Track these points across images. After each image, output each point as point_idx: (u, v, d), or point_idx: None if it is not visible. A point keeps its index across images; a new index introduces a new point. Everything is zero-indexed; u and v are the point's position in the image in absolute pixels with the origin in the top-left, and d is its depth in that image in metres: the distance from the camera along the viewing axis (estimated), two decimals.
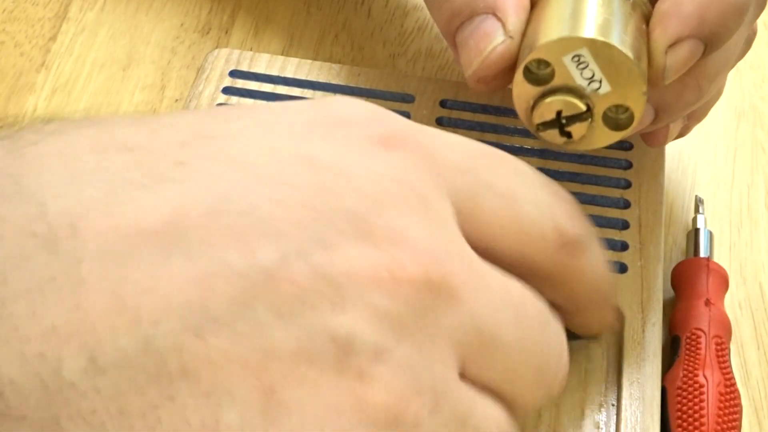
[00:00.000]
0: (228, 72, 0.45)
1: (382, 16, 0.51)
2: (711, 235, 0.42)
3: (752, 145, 0.47)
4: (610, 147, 0.43)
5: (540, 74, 0.32)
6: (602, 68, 0.31)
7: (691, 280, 0.40)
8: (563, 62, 0.31)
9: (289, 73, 0.46)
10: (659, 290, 0.39)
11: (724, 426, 0.36)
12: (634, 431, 0.36)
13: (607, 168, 0.43)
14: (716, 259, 0.42)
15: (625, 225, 0.41)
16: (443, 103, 0.44)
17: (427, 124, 0.43)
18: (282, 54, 0.49)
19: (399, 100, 0.44)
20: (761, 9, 0.37)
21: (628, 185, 0.42)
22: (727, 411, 0.36)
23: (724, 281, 0.40)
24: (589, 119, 0.33)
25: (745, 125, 0.47)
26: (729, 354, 0.39)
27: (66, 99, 0.47)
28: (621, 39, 0.32)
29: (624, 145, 0.43)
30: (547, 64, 0.32)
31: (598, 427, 0.36)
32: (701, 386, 0.37)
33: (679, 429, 0.36)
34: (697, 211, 0.43)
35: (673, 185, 0.45)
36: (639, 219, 0.41)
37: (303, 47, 0.49)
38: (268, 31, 0.50)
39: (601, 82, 0.31)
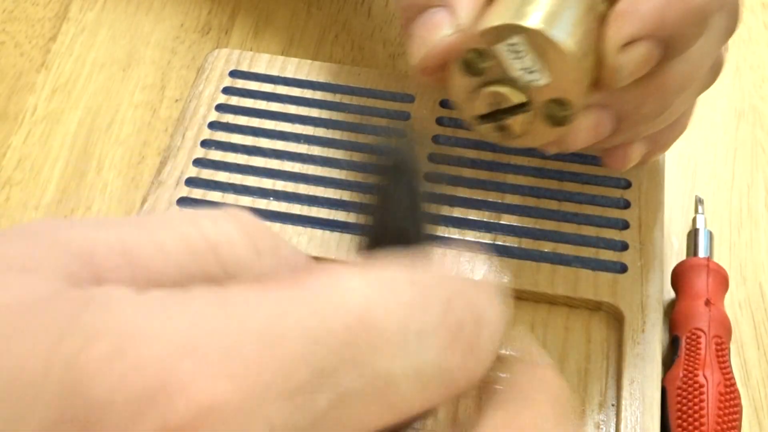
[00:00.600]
0: (228, 72, 0.46)
1: (382, 16, 0.51)
2: (711, 235, 0.42)
3: (752, 145, 0.47)
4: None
5: (476, 64, 0.31)
6: (539, 58, 0.30)
7: (691, 280, 0.40)
8: (498, 51, 0.30)
9: (289, 73, 0.46)
10: (659, 290, 0.39)
11: (724, 426, 0.36)
12: (634, 431, 0.36)
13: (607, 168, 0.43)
14: (716, 259, 0.42)
15: (625, 225, 0.41)
16: (443, 103, 0.44)
17: (427, 124, 0.43)
18: (282, 54, 0.49)
19: (399, 100, 0.44)
20: (729, 32, 0.36)
21: (628, 185, 0.42)
22: (727, 411, 0.36)
23: (724, 281, 0.40)
24: (528, 112, 0.31)
25: (745, 125, 0.47)
26: (729, 354, 0.39)
27: (66, 99, 0.47)
28: (561, 29, 0.30)
29: None
30: (482, 53, 0.30)
31: (598, 427, 0.36)
32: (701, 386, 0.37)
33: (679, 429, 0.36)
34: (697, 211, 0.43)
35: (673, 185, 0.45)
36: (639, 219, 0.41)
37: (303, 47, 0.49)
38: (268, 31, 0.50)
39: (538, 73, 0.30)
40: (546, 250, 0.40)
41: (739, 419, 0.37)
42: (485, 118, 0.32)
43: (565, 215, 0.41)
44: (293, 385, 0.15)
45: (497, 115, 0.31)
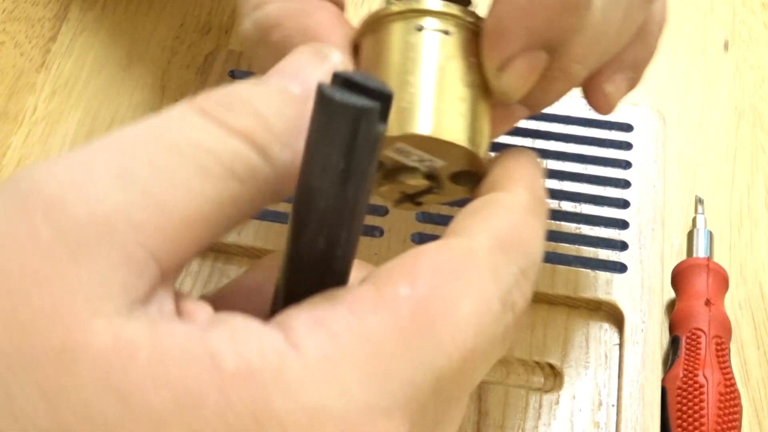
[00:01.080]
0: (228, 72, 0.46)
1: None
2: (711, 235, 0.42)
3: (752, 145, 0.47)
4: (610, 147, 0.43)
5: None
6: (427, 152, 0.28)
7: (691, 280, 0.40)
8: (387, 156, 0.28)
9: None
10: (659, 290, 0.39)
11: (724, 426, 0.36)
12: (634, 431, 0.36)
13: (607, 168, 0.43)
14: (716, 259, 0.42)
15: (624, 225, 0.41)
16: None
17: None
18: None
19: None
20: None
21: (628, 185, 0.42)
22: (727, 411, 0.36)
23: (724, 281, 0.40)
24: (436, 189, 0.30)
25: (745, 125, 0.47)
26: (729, 354, 0.39)
27: (66, 99, 0.47)
28: (443, 122, 0.27)
29: (624, 145, 0.43)
30: None
31: (598, 427, 0.36)
32: (701, 386, 0.37)
33: (679, 429, 0.36)
34: (696, 211, 0.43)
35: (673, 185, 0.45)
36: (639, 219, 0.41)
37: None
38: None
39: (432, 160, 0.28)
40: (546, 250, 0.40)
41: (739, 419, 0.37)
42: (400, 200, 0.31)
43: (565, 215, 0.41)
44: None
45: (411, 197, 0.31)
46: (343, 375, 0.19)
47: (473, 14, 0.29)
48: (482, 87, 0.29)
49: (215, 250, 0.40)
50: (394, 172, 0.29)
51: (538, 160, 0.29)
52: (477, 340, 0.22)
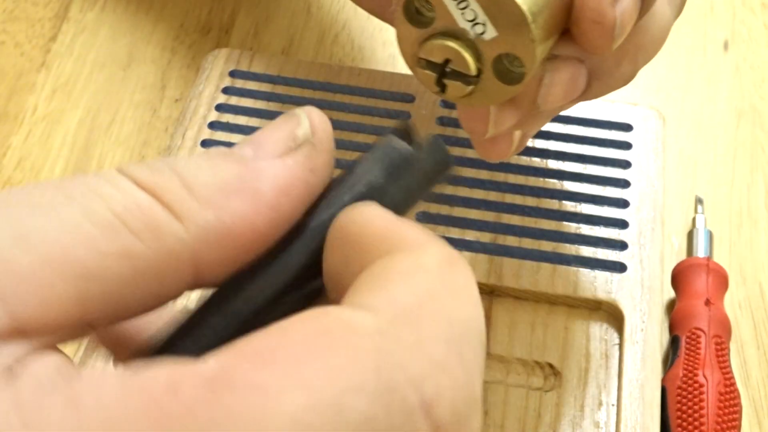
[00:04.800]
0: (228, 72, 0.46)
1: None
2: (711, 235, 0.42)
3: (752, 145, 0.47)
4: (609, 146, 0.43)
5: (422, 14, 0.28)
6: (485, 9, 0.27)
7: (691, 279, 0.40)
8: (443, 1, 0.27)
9: (289, 73, 0.46)
10: (659, 290, 0.39)
11: (724, 426, 0.36)
12: (634, 431, 0.36)
13: (607, 168, 0.43)
14: (716, 259, 0.42)
15: (624, 225, 0.41)
16: (443, 103, 0.44)
17: (427, 123, 0.43)
18: (282, 54, 0.49)
19: (399, 100, 0.44)
20: (682, 5, 0.34)
21: (627, 185, 0.42)
22: (726, 411, 0.36)
23: (724, 281, 0.40)
24: (472, 86, 0.29)
25: (745, 125, 0.47)
26: (729, 354, 0.39)
27: (66, 99, 0.47)
28: None
29: (624, 145, 0.43)
30: (427, 2, 0.28)
31: (598, 427, 0.36)
32: (701, 386, 0.37)
33: (679, 429, 0.36)
34: (696, 211, 0.43)
35: (673, 185, 0.45)
36: (639, 219, 0.41)
37: (303, 47, 0.49)
38: (268, 31, 0.50)
39: (485, 25, 0.27)
40: (546, 250, 0.40)
41: (739, 419, 0.37)
42: (429, 64, 0.29)
43: (565, 215, 0.41)
44: None
45: (442, 69, 0.29)
46: None
47: None
48: (561, 7, 0.28)
49: None
50: (442, 32, 0.28)
51: None
52: None
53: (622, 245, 0.40)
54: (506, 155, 0.34)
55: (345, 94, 0.45)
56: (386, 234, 0.19)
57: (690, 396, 0.37)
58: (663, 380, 0.38)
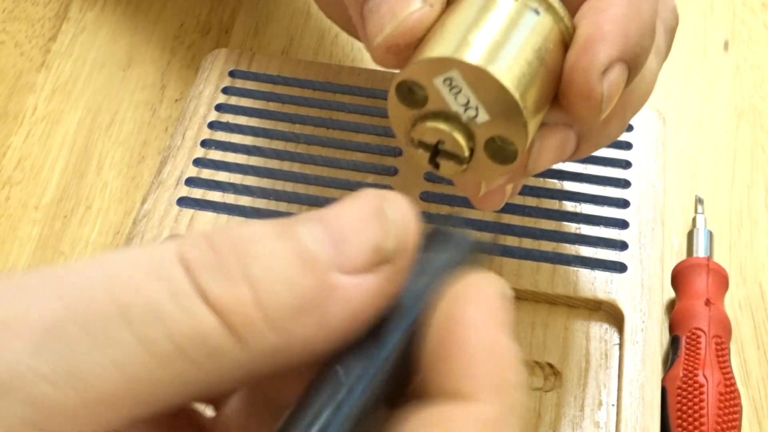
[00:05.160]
0: (228, 72, 0.46)
1: None
2: (711, 235, 0.42)
3: (752, 145, 0.47)
4: (609, 146, 0.43)
5: (415, 94, 0.28)
6: (477, 95, 0.27)
7: (691, 280, 0.40)
8: (435, 85, 0.27)
9: (289, 73, 0.46)
10: (659, 290, 0.39)
11: (724, 426, 0.36)
12: (634, 431, 0.36)
13: (607, 168, 0.43)
14: (716, 259, 0.42)
15: (624, 225, 0.41)
16: None
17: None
18: (282, 54, 0.49)
19: None
20: (672, 34, 0.35)
21: (628, 185, 0.42)
22: (726, 411, 0.36)
23: (724, 281, 0.40)
24: (465, 165, 0.29)
25: (745, 125, 0.47)
26: (729, 354, 0.39)
27: (66, 99, 0.47)
28: (502, 65, 0.27)
29: (624, 145, 0.43)
30: (420, 85, 0.28)
31: (598, 427, 0.36)
32: (701, 386, 0.37)
33: (679, 429, 0.36)
34: (696, 211, 0.43)
35: (673, 185, 0.45)
36: (639, 219, 0.41)
37: (303, 47, 0.49)
38: (268, 31, 0.50)
39: (477, 109, 0.28)
40: (546, 250, 0.40)
41: (739, 419, 0.37)
42: (422, 144, 0.29)
43: (565, 215, 0.41)
44: None
45: (434, 149, 0.29)
46: None
47: (566, 10, 0.29)
48: (550, 79, 0.29)
49: None
50: (435, 113, 0.28)
51: (507, 308, 0.20)
52: None
53: (622, 245, 0.40)
54: (499, 206, 0.35)
55: (345, 94, 0.45)
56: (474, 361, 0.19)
57: (690, 396, 0.37)
58: (663, 380, 0.38)
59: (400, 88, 0.28)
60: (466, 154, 0.28)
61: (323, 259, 0.19)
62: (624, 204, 0.41)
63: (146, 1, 0.51)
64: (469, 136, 0.28)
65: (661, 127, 0.44)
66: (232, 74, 0.45)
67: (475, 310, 0.19)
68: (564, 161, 0.33)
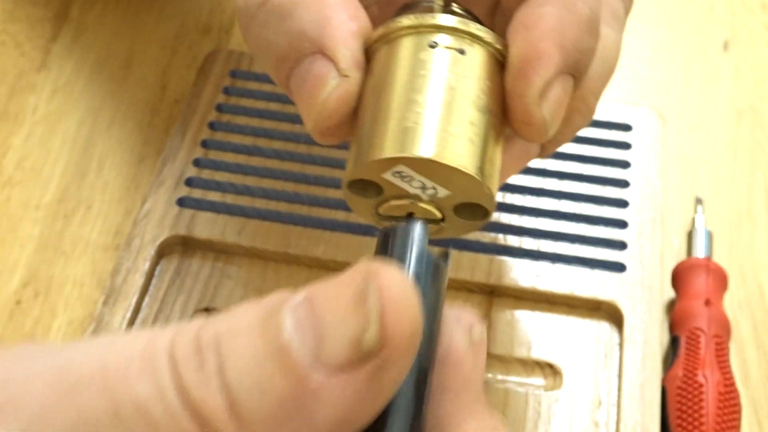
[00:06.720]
0: (228, 72, 0.46)
1: None
2: (711, 235, 0.42)
3: (752, 145, 0.47)
4: (609, 146, 0.43)
5: (369, 188, 0.27)
6: (430, 178, 0.26)
7: (690, 280, 0.40)
8: (386, 178, 0.26)
9: None
10: (659, 290, 0.39)
11: (724, 426, 0.36)
12: (634, 431, 0.36)
13: (607, 167, 0.43)
14: (716, 259, 0.42)
15: (624, 225, 0.41)
16: None
17: None
18: None
19: None
20: (627, 13, 0.33)
21: (627, 185, 0.42)
22: (726, 411, 0.36)
23: (723, 281, 0.40)
24: (441, 225, 0.28)
25: (745, 125, 0.47)
26: (728, 354, 0.39)
27: (67, 99, 0.47)
28: (451, 147, 0.26)
29: (623, 145, 0.43)
30: (371, 181, 0.27)
31: (598, 427, 0.36)
32: (701, 386, 0.37)
33: (679, 429, 0.36)
34: (696, 211, 0.43)
35: (673, 185, 0.45)
36: (638, 219, 0.41)
37: None
38: None
39: (435, 188, 0.26)
40: (546, 250, 0.40)
41: (739, 419, 0.37)
42: (393, 218, 0.28)
43: (564, 214, 0.41)
44: None
45: (407, 217, 0.28)
46: None
47: (492, 34, 0.28)
48: (496, 114, 0.27)
49: (215, 250, 0.40)
50: (394, 197, 0.27)
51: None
52: None
53: (621, 245, 0.40)
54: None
55: None
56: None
57: (690, 396, 0.37)
58: (663, 380, 0.38)
59: (351, 186, 0.27)
60: (439, 216, 0.27)
61: (303, 358, 0.17)
62: (623, 204, 0.42)
63: (146, 1, 0.51)
64: (437, 205, 0.27)
65: (661, 127, 0.44)
66: (232, 74, 0.45)
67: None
68: (531, 161, 0.32)
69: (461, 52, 0.27)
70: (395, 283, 0.18)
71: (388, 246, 0.25)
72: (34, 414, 0.17)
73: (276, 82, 0.29)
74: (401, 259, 0.24)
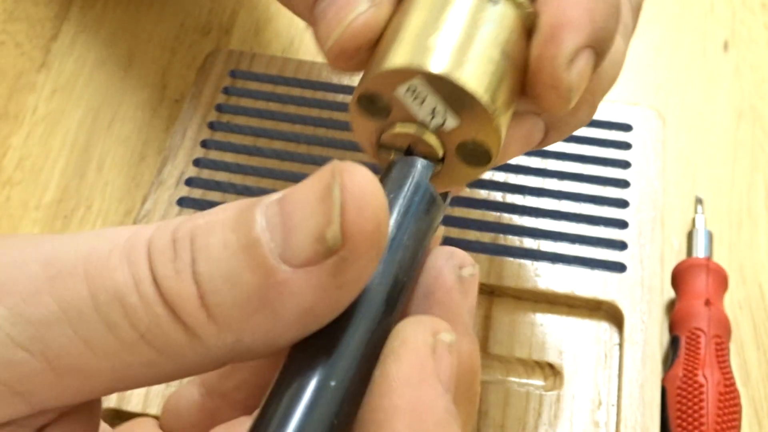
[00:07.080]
0: (228, 72, 0.46)
1: None
2: (711, 235, 0.42)
3: (752, 145, 0.47)
4: (609, 146, 0.43)
5: (377, 106, 0.27)
6: (443, 102, 0.26)
7: (691, 280, 0.40)
8: (397, 95, 0.26)
9: (289, 73, 0.46)
10: (659, 290, 0.39)
11: (724, 426, 0.36)
12: (634, 431, 0.36)
13: (607, 168, 0.43)
14: (716, 259, 0.42)
15: (624, 225, 0.41)
16: None
17: None
18: (282, 54, 0.49)
19: None
20: (633, 30, 0.34)
21: (627, 185, 0.42)
22: (726, 411, 0.36)
23: (723, 281, 0.40)
24: (439, 167, 0.27)
25: (745, 125, 0.47)
26: (728, 354, 0.39)
27: (67, 99, 0.47)
28: (467, 69, 0.26)
29: (623, 145, 0.43)
30: (381, 97, 0.27)
31: (598, 427, 0.36)
32: (701, 386, 0.37)
33: (679, 429, 0.36)
34: (696, 211, 0.43)
35: (673, 185, 0.45)
36: (639, 219, 0.41)
37: (303, 47, 0.49)
38: (268, 31, 0.50)
39: (445, 116, 0.26)
40: (546, 250, 0.40)
41: (739, 419, 0.37)
42: (392, 148, 0.28)
43: (564, 214, 0.41)
44: None
45: (407, 153, 0.27)
46: None
47: None
48: (516, 67, 0.27)
49: None
50: (400, 121, 0.27)
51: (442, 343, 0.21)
52: None
53: (621, 245, 0.40)
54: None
55: (345, 94, 0.45)
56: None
57: (690, 396, 0.37)
58: (663, 380, 0.38)
59: (360, 100, 0.27)
60: (440, 154, 0.27)
61: (271, 252, 0.18)
62: (624, 204, 0.42)
63: (147, 1, 0.51)
64: (440, 140, 0.27)
65: (661, 127, 0.44)
66: (232, 74, 0.45)
67: (398, 369, 0.19)
68: (532, 149, 0.32)
69: (494, 2, 0.27)
70: (360, 180, 0.18)
71: (390, 174, 0.25)
72: (18, 300, 0.18)
73: (299, 11, 0.30)
74: (400, 185, 0.24)
